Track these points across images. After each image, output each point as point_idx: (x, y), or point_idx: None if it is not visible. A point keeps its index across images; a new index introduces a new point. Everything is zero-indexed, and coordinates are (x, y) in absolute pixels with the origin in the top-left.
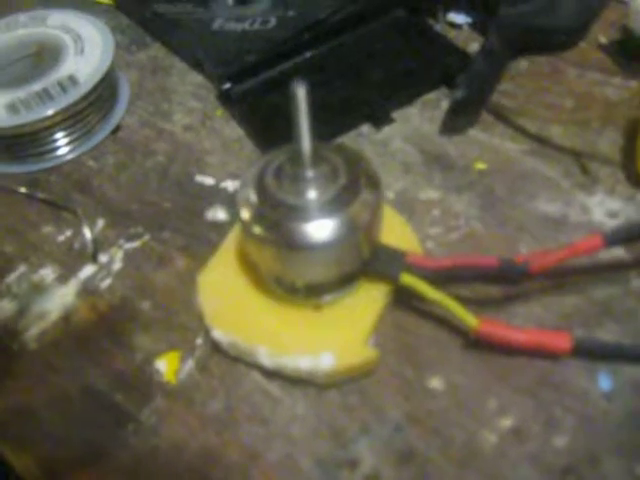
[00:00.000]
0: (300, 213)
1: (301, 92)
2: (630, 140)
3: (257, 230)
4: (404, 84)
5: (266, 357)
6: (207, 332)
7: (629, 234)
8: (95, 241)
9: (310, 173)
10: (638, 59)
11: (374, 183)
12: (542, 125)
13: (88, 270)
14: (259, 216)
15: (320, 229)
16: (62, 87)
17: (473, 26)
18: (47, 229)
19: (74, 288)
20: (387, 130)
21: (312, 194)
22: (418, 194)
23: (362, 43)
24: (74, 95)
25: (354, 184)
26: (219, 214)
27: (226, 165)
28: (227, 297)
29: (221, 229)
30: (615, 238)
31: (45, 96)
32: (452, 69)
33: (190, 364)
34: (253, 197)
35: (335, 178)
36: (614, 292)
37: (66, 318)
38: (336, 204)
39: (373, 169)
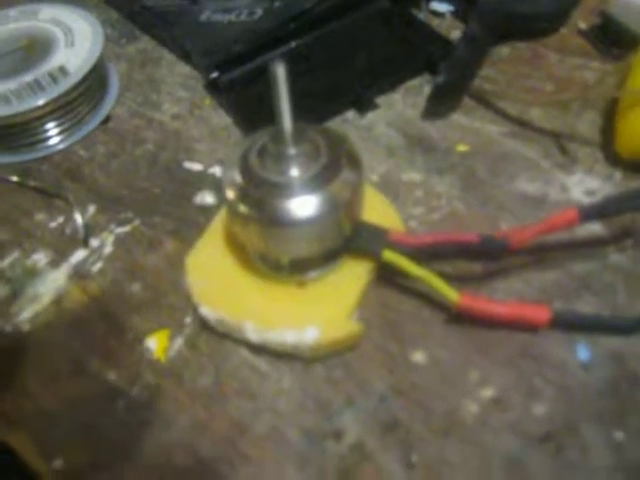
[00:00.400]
0: (283, 191)
1: (280, 71)
2: (608, 121)
3: (242, 209)
4: (388, 71)
5: (253, 332)
6: (195, 311)
7: (604, 209)
8: (86, 226)
9: (292, 151)
10: (616, 43)
11: (355, 162)
12: (523, 108)
13: (80, 254)
14: (244, 195)
15: (302, 206)
16: (53, 78)
17: (455, 14)
18: (40, 216)
19: (66, 272)
20: (371, 116)
21: (294, 172)
22: (401, 176)
23: (347, 32)
24: (64, 85)
25: (335, 163)
26: (207, 198)
27: (214, 152)
28: (214, 276)
29: (209, 213)
30: (590, 213)
31: (36, 86)
32: (435, 56)
33: (179, 342)
34: (237, 177)
35: (317, 157)
36: (592, 267)
37: (58, 301)
38: (318, 182)
39: (354, 149)
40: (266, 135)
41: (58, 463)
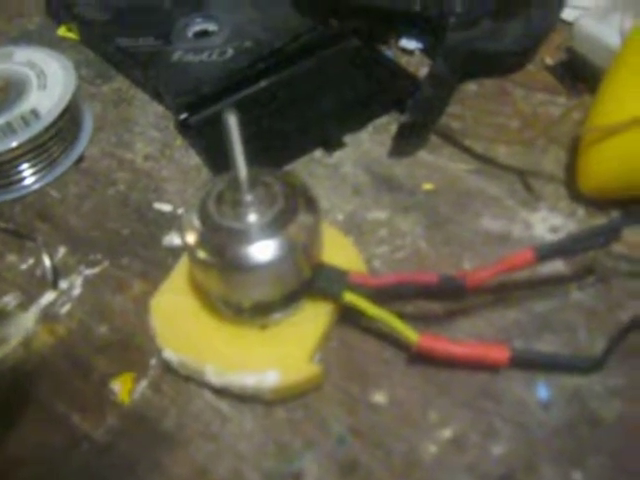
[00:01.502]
0: (241, 236)
1: (232, 120)
2: (572, 157)
3: (201, 254)
4: (356, 110)
5: (213, 375)
6: (160, 354)
7: (561, 248)
8: (55, 268)
9: (248, 197)
10: (582, 79)
11: (312, 205)
12: (488, 145)
13: (49, 296)
14: (202, 240)
15: (260, 251)
16: (25, 121)
17: (425, 51)
18: (10, 258)
19: (34, 314)
20: (339, 154)
21: (251, 217)
22: (366, 215)
23: (316, 71)
24: (36, 128)
25: (292, 207)
26: (175, 240)
27: (183, 192)
28: (178, 319)
29: (177, 254)
30: (547, 252)
31: (8, 130)
32: (403, 94)
33: (144, 384)
34: (196, 222)
35: (273, 202)
36: (554, 305)
37: (26, 343)
38: (275, 226)
39: (311, 192)
40: (223, 181)
41: None
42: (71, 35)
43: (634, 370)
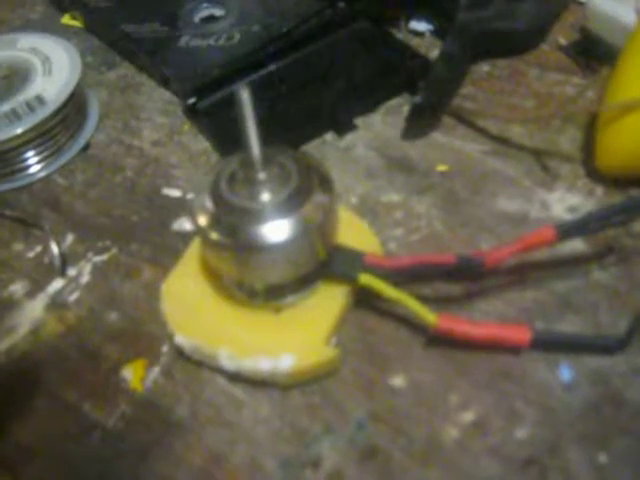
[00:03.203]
0: (254, 216)
1: (245, 97)
2: (589, 136)
3: (214, 236)
4: (367, 92)
5: (227, 360)
6: (172, 340)
7: (582, 226)
8: (63, 255)
9: (262, 176)
10: (596, 58)
11: (327, 185)
12: (503, 126)
13: (57, 284)
14: (215, 222)
15: (275, 230)
16: (30, 107)
17: (435, 33)
18: (17, 246)
19: (43, 302)
20: (350, 137)
21: (265, 197)
22: (380, 197)
23: (325, 54)
24: (41, 114)
25: (307, 186)
26: (185, 225)
27: (192, 177)
28: (190, 303)
29: (188, 239)
30: (568, 230)
31: (13, 116)
32: (414, 75)
33: (156, 371)
34: (208, 203)
35: (287, 181)
36: (574, 285)
37: (35, 332)
38: (289, 206)
39: (326, 171)
40: (236, 161)
41: None
42: (75, 23)
43: None
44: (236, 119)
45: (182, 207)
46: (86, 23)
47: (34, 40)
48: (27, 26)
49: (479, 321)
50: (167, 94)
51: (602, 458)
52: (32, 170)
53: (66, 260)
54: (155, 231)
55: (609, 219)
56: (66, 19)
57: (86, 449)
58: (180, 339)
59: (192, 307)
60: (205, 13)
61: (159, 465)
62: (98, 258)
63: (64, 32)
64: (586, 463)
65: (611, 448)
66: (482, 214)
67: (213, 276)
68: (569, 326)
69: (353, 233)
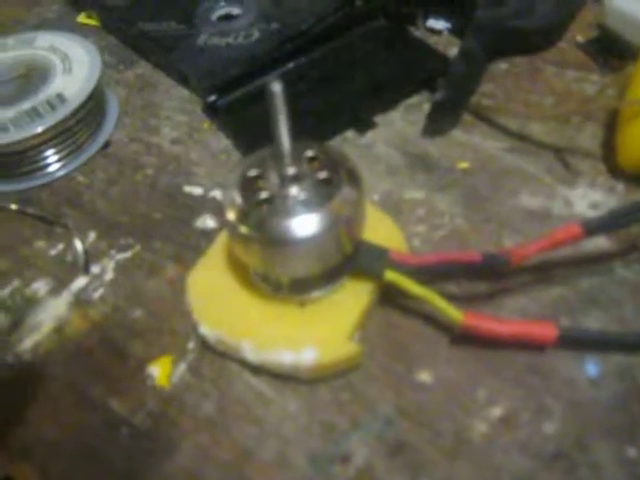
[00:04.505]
0: (283, 210)
1: (277, 90)
2: (609, 133)
3: (243, 229)
4: (386, 89)
5: (251, 352)
6: (198, 336)
7: (608, 222)
8: (86, 253)
9: (291, 170)
10: (615, 55)
11: (355, 179)
12: (522, 123)
13: (80, 282)
14: (244, 215)
15: (303, 224)
16: (51, 105)
17: (453, 31)
18: (39, 244)
19: (66, 299)
20: (371, 134)
21: (294, 191)
22: (403, 195)
23: (344, 52)
24: (62, 112)
25: (335, 180)
26: (208, 222)
27: (214, 175)
28: (215, 295)
29: (210, 236)
30: (595, 227)
31: (34, 114)
32: (433, 73)
33: (182, 368)
34: (237, 198)
35: (316, 175)
36: (599, 281)
37: (59, 329)
38: (318, 200)
39: (354, 165)
40: (265, 155)
41: None
42: (91, 21)
43: None
44: (257, 117)
45: (204, 205)
46: (102, 22)
47: (52, 38)
48: (43, 25)
49: (505, 318)
50: (185, 92)
51: (631, 452)
52: (52, 168)
53: (89, 257)
54: (177, 228)
55: (634, 216)
56: (82, 18)
57: (113, 445)
58: (204, 330)
59: (217, 299)
60: (222, 11)
61: (187, 461)
62: (121, 255)
63: (80, 31)
64: (615, 457)
65: (639, 442)
66: (504, 211)
67: (238, 269)
68: (594, 322)
69: (379, 229)
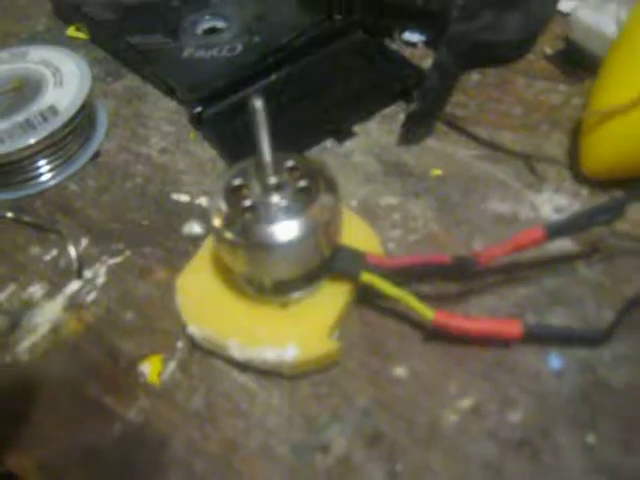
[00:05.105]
0: (265, 216)
1: (258, 104)
2: (574, 141)
3: (228, 235)
4: (364, 100)
5: (236, 349)
6: (187, 336)
7: (569, 225)
8: (79, 258)
9: (272, 180)
10: (580, 67)
11: (332, 187)
12: (493, 132)
13: (74, 285)
14: (229, 222)
15: (284, 230)
16: (43, 117)
17: (428, 44)
18: (34, 250)
19: (61, 303)
20: (349, 144)
21: (275, 199)
22: (379, 201)
23: (324, 64)
24: (55, 124)
25: (313, 188)
26: (195, 228)
27: (200, 183)
28: (202, 296)
29: (197, 241)
30: (555, 229)
31: (27, 126)
32: (408, 84)
33: (172, 366)
34: (223, 205)
35: (295, 183)
36: (563, 281)
37: (55, 330)
38: (297, 207)
39: (331, 174)
40: (248, 165)
41: None
42: (80, 35)
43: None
44: (241, 127)
45: (191, 211)
46: (91, 35)
47: (44, 53)
48: (34, 38)
49: (474, 316)
50: (172, 103)
51: (590, 439)
52: (45, 178)
53: (82, 263)
54: (166, 234)
55: (593, 219)
56: (71, 31)
57: (108, 440)
58: (193, 329)
59: (204, 300)
60: (207, 25)
61: (178, 453)
62: (112, 261)
63: (70, 43)
64: (575, 444)
65: (599, 430)
66: (475, 215)
67: (224, 272)
68: (558, 319)
69: (356, 234)
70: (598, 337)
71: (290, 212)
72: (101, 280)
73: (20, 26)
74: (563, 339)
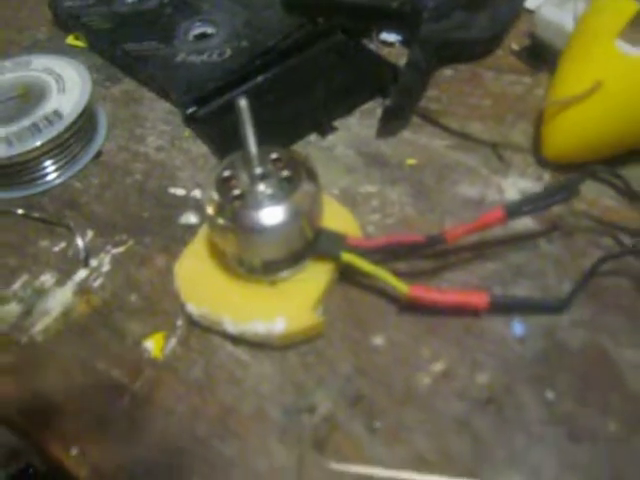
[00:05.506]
0: (253, 204)
1: (243, 104)
2: (538, 129)
3: (220, 221)
4: (344, 97)
5: (230, 324)
6: (186, 314)
7: (526, 205)
8: (86, 249)
9: (258, 170)
10: (544, 61)
11: (313, 176)
12: (464, 123)
13: (82, 273)
14: (221, 210)
15: (270, 215)
16: (49, 121)
17: (403, 43)
18: (44, 243)
19: (71, 289)
20: (331, 138)
21: (261, 187)
22: (359, 189)
23: (307, 65)
24: (59, 127)
25: (296, 178)
26: (191, 218)
27: (194, 177)
28: (198, 279)
29: (193, 230)
30: (514, 208)
31: (35, 129)
32: (385, 81)
33: (173, 342)
34: (214, 195)
35: (280, 174)
36: (526, 256)
37: (66, 314)
38: (282, 194)
39: (312, 165)
40: (236, 158)
41: (75, 451)
42: (79, 43)
43: (595, 307)
44: (231, 125)
45: (186, 203)
46: (90, 43)
47: (46, 61)
48: (35, 46)
49: (444, 288)
50: (167, 105)
51: (550, 395)
52: (51, 177)
53: (88, 253)
54: (164, 225)
55: (549, 198)
56: (70, 39)
57: (117, 409)
58: (191, 308)
59: (200, 282)
60: (198, 31)
61: (181, 419)
62: (116, 250)
63: (69, 51)
64: (536, 400)
65: (557, 386)
66: (446, 200)
67: (218, 256)
68: (522, 290)
69: (336, 218)
70: (558, 305)
71: (275, 199)
72: (106, 268)
73: (22, 35)
74: (526, 308)
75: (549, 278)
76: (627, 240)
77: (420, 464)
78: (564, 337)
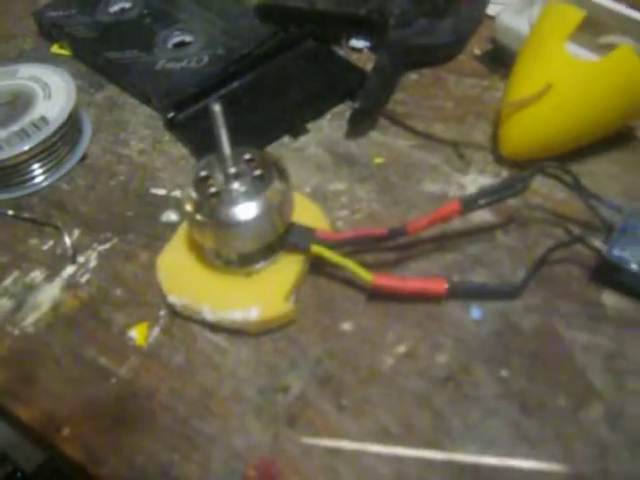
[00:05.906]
0: (228, 200)
1: (217, 108)
2: (496, 129)
3: (198, 217)
4: (316, 101)
5: (209, 313)
6: (167, 305)
7: (480, 196)
8: (73, 246)
9: (232, 170)
10: (504, 64)
11: (283, 174)
12: (428, 124)
13: (69, 270)
14: (198, 206)
15: (244, 211)
16: (36, 126)
17: (372, 49)
18: (33, 241)
19: (59, 284)
20: (303, 139)
21: (235, 185)
22: (329, 186)
23: (280, 70)
24: (46, 132)
25: (267, 176)
26: (172, 216)
27: (175, 178)
28: (179, 272)
29: (174, 227)
30: (469, 200)
31: (23, 134)
32: (354, 85)
33: (156, 331)
34: (193, 193)
35: (252, 172)
36: (484, 247)
37: (55, 308)
38: (254, 191)
39: (283, 164)
40: (212, 159)
41: (66, 431)
42: (64, 52)
43: (547, 292)
44: (209, 128)
45: (167, 202)
46: (74, 51)
47: (33, 70)
48: (21, 55)
49: (406, 277)
50: (148, 110)
51: (504, 373)
52: (39, 179)
53: (76, 250)
54: (147, 223)
55: (502, 191)
56: (55, 48)
57: (105, 392)
58: (172, 298)
59: (181, 274)
60: (177, 39)
61: (164, 401)
62: (102, 247)
63: (54, 59)
64: (491, 377)
65: (510, 366)
66: (411, 196)
67: (197, 250)
68: (479, 278)
69: (307, 213)
70: (512, 291)
71: (248, 196)
72: (93, 264)
73: (8, 45)
74: (482, 294)
75: (504, 266)
76: (576, 230)
77: (384, 436)
78: (518, 320)
